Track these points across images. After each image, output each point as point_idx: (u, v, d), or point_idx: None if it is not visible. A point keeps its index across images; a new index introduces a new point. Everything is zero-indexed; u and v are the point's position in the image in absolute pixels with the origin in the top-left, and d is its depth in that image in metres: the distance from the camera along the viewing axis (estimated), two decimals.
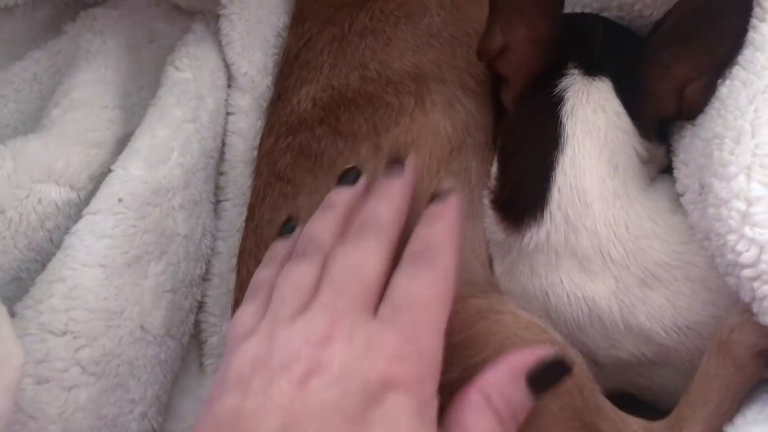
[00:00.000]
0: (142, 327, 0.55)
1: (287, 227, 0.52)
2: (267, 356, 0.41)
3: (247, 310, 0.46)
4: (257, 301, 0.46)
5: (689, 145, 0.55)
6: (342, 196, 0.50)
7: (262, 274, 0.49)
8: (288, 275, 0.46)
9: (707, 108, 0.54)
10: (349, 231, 0.47)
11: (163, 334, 0.57)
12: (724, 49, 0.54)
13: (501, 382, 0.44)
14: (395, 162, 0.50)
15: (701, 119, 0.55)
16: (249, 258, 0.59)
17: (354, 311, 0.42)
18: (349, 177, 0.51)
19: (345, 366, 0.39)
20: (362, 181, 0.51)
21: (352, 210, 0.49)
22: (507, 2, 0.56)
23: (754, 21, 0.52)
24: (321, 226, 0.48)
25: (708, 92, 0.56)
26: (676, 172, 0.57)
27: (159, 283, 0.58)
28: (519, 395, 0.43)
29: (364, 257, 0.44)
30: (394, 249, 0.46)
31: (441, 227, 0.46)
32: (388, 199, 0.48)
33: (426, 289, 0.43)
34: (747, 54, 0.52)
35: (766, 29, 0.51)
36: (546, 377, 0.44)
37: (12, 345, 0.43)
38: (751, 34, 0.52)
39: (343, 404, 0.38)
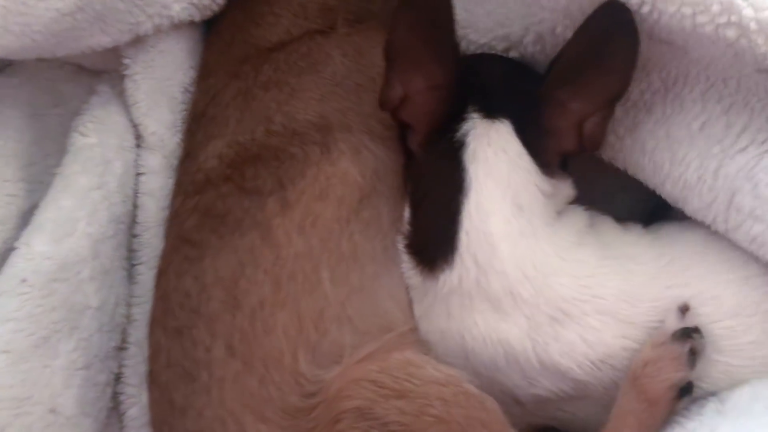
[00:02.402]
0: (52, 410, 0.54)
1: None
2: None
3: None
4: None
5: None
6: None
7: None
8: None
9: None
10: None
11: (77, 413, 0.56)
12: (616, 84, 0.56)
13: None
14: None
15: None
16: (157, 328, 0.58)
17: None
18: None
19: None
20: None
21: None
22: (403, 55, 0.57)
23: None
24: None
25: (605, 126, 0.58)
26: None
27: (71, 362, 0.57)
28: None
29: None
30: None
31: None
32: None
33: None
34: None
35: None
36: None
37: None
38: None
39: None
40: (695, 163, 0.57)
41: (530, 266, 0.55)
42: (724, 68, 0.55)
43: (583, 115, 0.57)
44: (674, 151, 0.58)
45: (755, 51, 0.50)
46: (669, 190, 0.60)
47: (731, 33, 0.51)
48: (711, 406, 0.53)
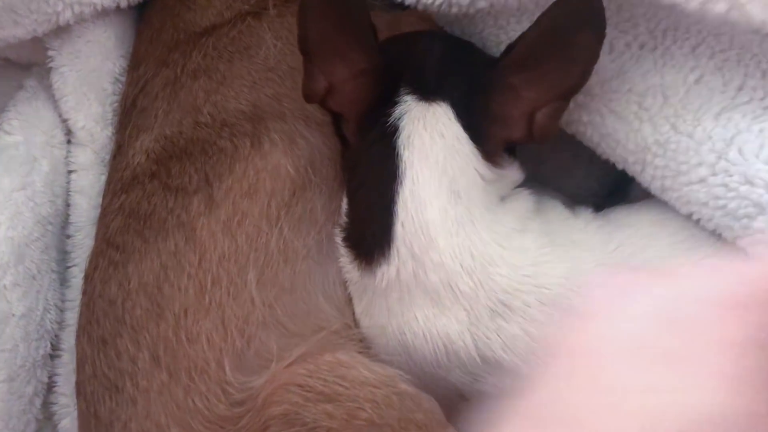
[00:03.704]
0: None
1: None
2: None
3: None
4: None
5: None
6: None
7: None
8: None
9: None
10: None
11: (0, 429, 0.54)
12: (575, 76, 0.53)
13: None
14: None
15: None
16: (83, 336, 0.55)
17: None
18: None
19: None
20: None
21: None
22: (319, 46, 0.53)
23: None
24: None
25: (557, 118, 0.54)
26: None
27: None
28: None
29: None
30: None
31: None
32: None
33: None
34: None
35: None
36: None
37: None
38: None
39: None
40: (693, 106, 0.54)
41: (468, 257, 0.52)
42: (717, 24, 0.52)
43: (536, 104, 0.54)
44: (668, 96, 0.54)
45: (750, 22, 0.48)
46: (648, 131, 0.55)
47: (720, 7, 0.48)
48: None
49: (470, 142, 0.54)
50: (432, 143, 0.54)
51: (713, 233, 0.53)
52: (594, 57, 0.52)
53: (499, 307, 0.52)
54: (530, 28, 0.53)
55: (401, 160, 0.54)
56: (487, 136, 0.55)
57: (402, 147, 0.54)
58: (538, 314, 0.52)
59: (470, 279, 0.52)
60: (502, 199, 0.57)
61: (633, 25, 0.56)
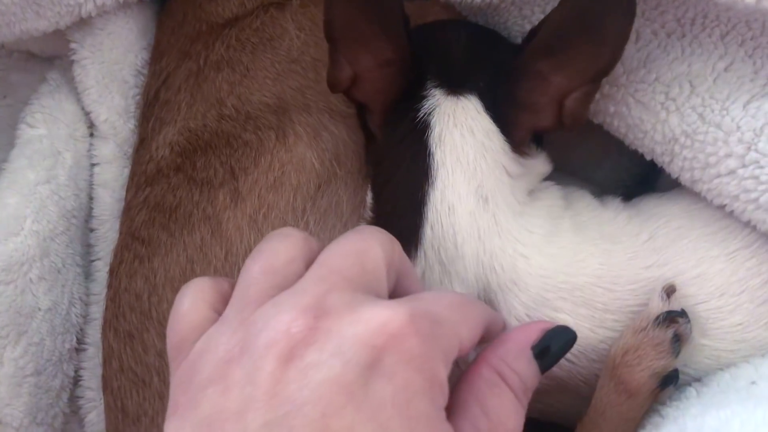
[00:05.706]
0: None
1: None
2: (245, 341, 0.33)
3: (192, 306, 0.38)
4: (203, 294, 0.38)
5: None
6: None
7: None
8: (257, 255, 0.38)
9: None
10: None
11: (28, 423, 0.54)
12: (605, 57, 0.51)
13: (509, 356, 0.40)
14: None
15: None
16: (109, 330, 0.55)
17: (352, 288, 0.35)
18: None
19: (344, 334, 0.33)
20: None
21: None
22: (345, 33, 0.51)
23: None
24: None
25: (588, 103, 0.53)
26: None
27: (18, 368, 0.54)
28: (528, 368, 0.41)
29: (367, 244, 0.38)
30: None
31: None
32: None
33: (455, 297, 0.39)
34: None
35: None
36: (551, 348, 0.42)
37: None
38: None
39: (344, 379, 0.32)
40: (721, 95, 0.52)
41: (499, 267, 0.51)
42: (748, 12, 0.50)
43: (565, 90, 0.52)
44: (695, 85, 0.53)
45: None
46: (675, 122, 0.54)
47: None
48: (691, 390, 0.50)
49: (499, 135, 0.53)
50: (463, 141, 0.52)
51: (748, 224, 0.52)
52: (625, 37, 0.50)
53: (529, 317, 0.50)
54: (553, 12, 0.52)
55: (433, 160, 0.52)
56: (515, 125, 0.53)
57: (434, 145, 0.52)
58: (569, 318, 0.51)
59: (500, 290, 0.51)
60: (530, 193, 0.56)
61: (660, 13, 0.55)
